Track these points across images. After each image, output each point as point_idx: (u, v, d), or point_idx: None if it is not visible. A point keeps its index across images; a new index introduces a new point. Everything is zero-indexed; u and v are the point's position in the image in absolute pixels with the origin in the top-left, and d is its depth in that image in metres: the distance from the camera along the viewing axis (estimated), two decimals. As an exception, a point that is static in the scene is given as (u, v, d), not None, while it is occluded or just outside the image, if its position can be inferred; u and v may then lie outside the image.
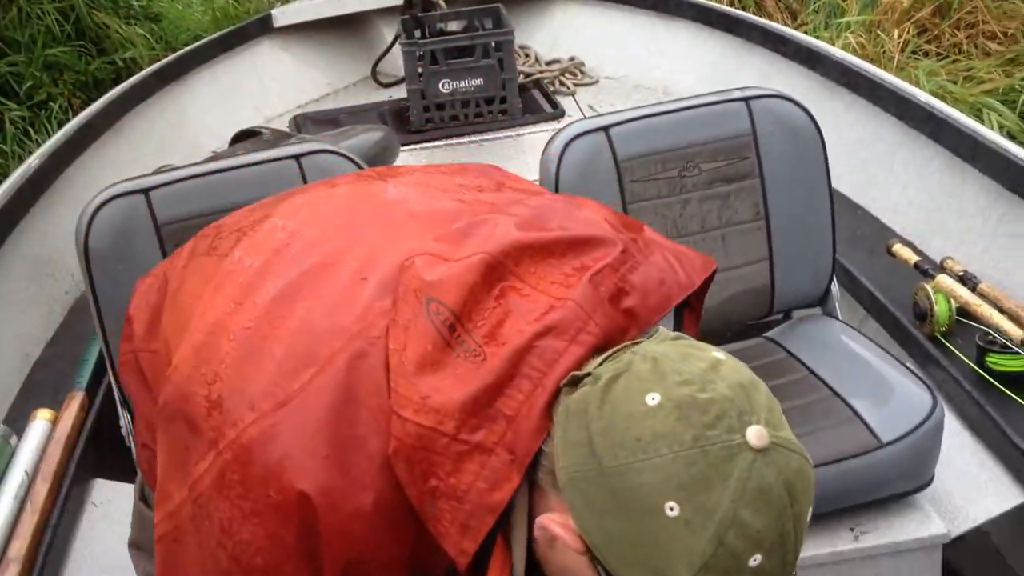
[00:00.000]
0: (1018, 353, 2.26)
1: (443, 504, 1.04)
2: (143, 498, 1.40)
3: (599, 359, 1.04)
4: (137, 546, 1.41)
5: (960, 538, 2.22)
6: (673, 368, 0.99)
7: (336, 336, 1.09)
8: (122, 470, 2.22)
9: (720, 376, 0.98)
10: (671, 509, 0.94)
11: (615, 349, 1.05)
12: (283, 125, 4.08)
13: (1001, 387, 2.24)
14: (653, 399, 0.97)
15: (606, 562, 0.99)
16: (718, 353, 1.02)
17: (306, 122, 4.14)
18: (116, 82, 4.66)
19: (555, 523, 1.02)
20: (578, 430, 1.00)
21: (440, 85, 3.96)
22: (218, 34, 4.53)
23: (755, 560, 0.94)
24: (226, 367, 1.12)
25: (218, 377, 1.12)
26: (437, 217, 1.21)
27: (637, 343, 1.05)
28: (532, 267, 1.11)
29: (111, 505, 2.34)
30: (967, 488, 2.23)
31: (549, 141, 2.20)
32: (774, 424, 0.98)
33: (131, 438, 2.08)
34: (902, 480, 2.10)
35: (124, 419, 2.08)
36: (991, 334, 2.32)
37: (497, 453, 1.02)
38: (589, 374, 1.02)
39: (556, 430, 1.02)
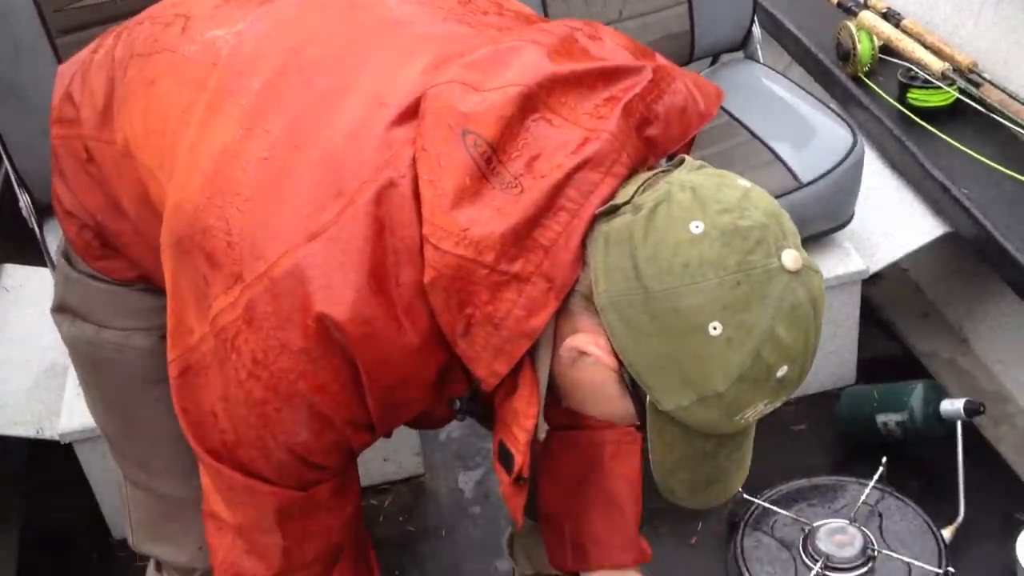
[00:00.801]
0: (939, 87, 2.23)
1: (477, 331, 1.06)
2: (68, 262, 1.36)
3: (630, 188, 1.06)
4: (61, 309, 1.38)
5: (879, 274, 2.25)
6: (712, 197, 1.02)
7: (363, 166, 1.06)
8: (26, 253, 2.16)
9: (753, 204, 1.03)
10: (714, 328, 0.99)
11: (648, 178, 1.07)
12: None
13: (922, 122, 2.23)
14: (697, 227, 1.00)
15: (638, 376, 1.04)
16: (744, 181, 1.06)
17: None
18: None
19: (588, 343, 1.06)
20: (621, 257, 1.02)
21: None
22: None
23: (782, 370, 1.02)
24: (245, 200, 1.09)
25: (238, 210, 1.09)
26: (456, 41, 1.15)
27: (667, 171, 1.08)
28: (563, 98, 1.09)
29: (23, 291, 2.30)
30: (887, 225, 2.24)
31: None
32: (799, 247, 1.04)
33: (32, 219, 2.02)
34: (822, 219, 2.12)
35: (23, 200, 2.01)
36: (913, 70, 2.30)
37: (534, 282, 1.04)
38: (627, 203, 1.04)
39: (595, 257, 1.04)
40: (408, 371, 1.10)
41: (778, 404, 1.06)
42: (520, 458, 1.14)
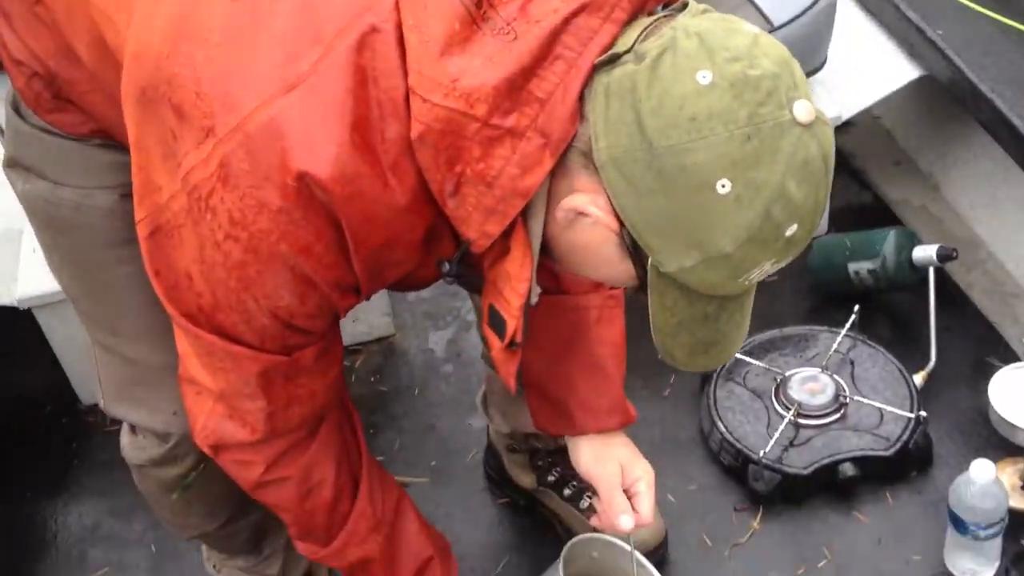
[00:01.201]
0: (916, -76, 2.16)
1: (468, 190, 1.02)
2: (18, 114, 1.28)
3: (631, 35, 0.99)
4: (13, 165, 1.31)
5: (850, 122, 2.22)
6: (720, 44, 0.95)
7: (342, 10, 0.99)
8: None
9: (763, 51, 0.96)
10: (723, 186, 0.94)
11: (650, 23, 1.00)
12: None
13: (897, -38, 2.16)
14: (705, 77, 0.94)
15: (640, 238, 0.99)
16: (750, 27, 0.99)
17: None
18: None
19: (587, 203, 1.00)
20: (624, 110, 0.96)
21: None
22: None
23: (791, 229, 0.97)
24: (214, 46, 1.01)
25: (206, 57, 1.01)
26: None
27: (670, 16, 1.00)
28: None
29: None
30: (860, 70, 2.19)
31: None
32: (810, 97, 0.97)
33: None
34: (795, 65, 2.06)
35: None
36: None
37: (529, 137, 0.99)
38: (628, 51, 0.97)
39: (594, 110, 0.98)
40: (395, 232, 1.05)
41: (784, 264, 1.01)
42: (513, 323, 1.11)
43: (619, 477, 1.39)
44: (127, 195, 1.15)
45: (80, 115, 1.25)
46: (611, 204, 0.99)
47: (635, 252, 1.01)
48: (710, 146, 0.93)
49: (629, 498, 1.38)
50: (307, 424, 1.23)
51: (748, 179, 0.94)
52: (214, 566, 1.67)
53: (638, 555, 1.43)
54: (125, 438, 1.44)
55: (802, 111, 0.95)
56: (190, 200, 1.04)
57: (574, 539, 1.43)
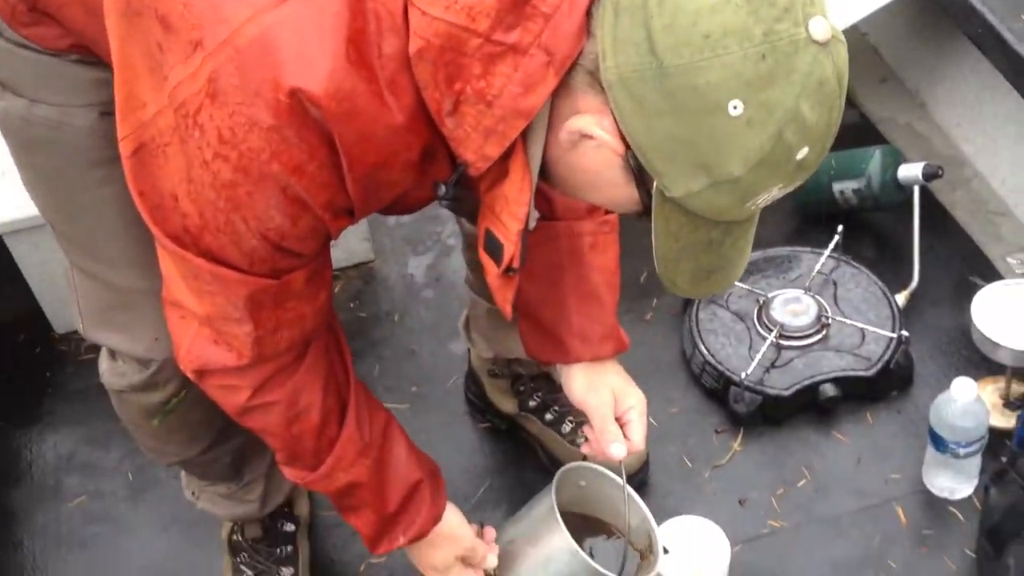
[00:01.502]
0: None
1: (467, 108, 0.98)
2: None
3: None
4: None
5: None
6: None
7: None
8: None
9: None
10: (735, 108, 0.90)
11: None
12: None
13: None
14: None
15: (647, 161, 0.96)
16: None
17: None
18: None
19: (592, 125, 0.97)
20: (634, 27, 0.91)
21: None
22: None
23: (803, 152, 0.93)
24: None
25: None
26: None
27: None
28: None
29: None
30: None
31: None
32: (827, 14, 0.93)
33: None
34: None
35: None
36: None
37: (532, 54, 0.95)
38: None
39: (602, 27, 0.94)
40: (391, 151, 1.02)
41: (792, 188, 0.98)
42: (511, 248, 1.08)
43: (612, 406, 1.37)
44: (107, 113, 1.11)
45: (58, 29, 1.19)
46: (617, 126, 0.95)
47: (640, 176, 0.98)
48: (724, 65, 0.89)
49: (621, 426, 1.37)
50: (295, 348, 1.21)
51: (761, 100, 0.90)
52: (193, 493, 1.66)
53: (630, 490, 1.41)
54: (104, 363, 1.42)
55: (819, 29, 0.90)
56: (177, 117, 1.00)
57: (564, 467, 1.42)
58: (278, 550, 1.69)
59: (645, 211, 1.00)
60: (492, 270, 1.12)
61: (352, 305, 2.14)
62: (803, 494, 1.75)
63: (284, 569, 1.68)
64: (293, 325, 1.16)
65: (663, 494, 1.77)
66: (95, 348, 1.44)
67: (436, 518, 1.36)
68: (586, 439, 1.41)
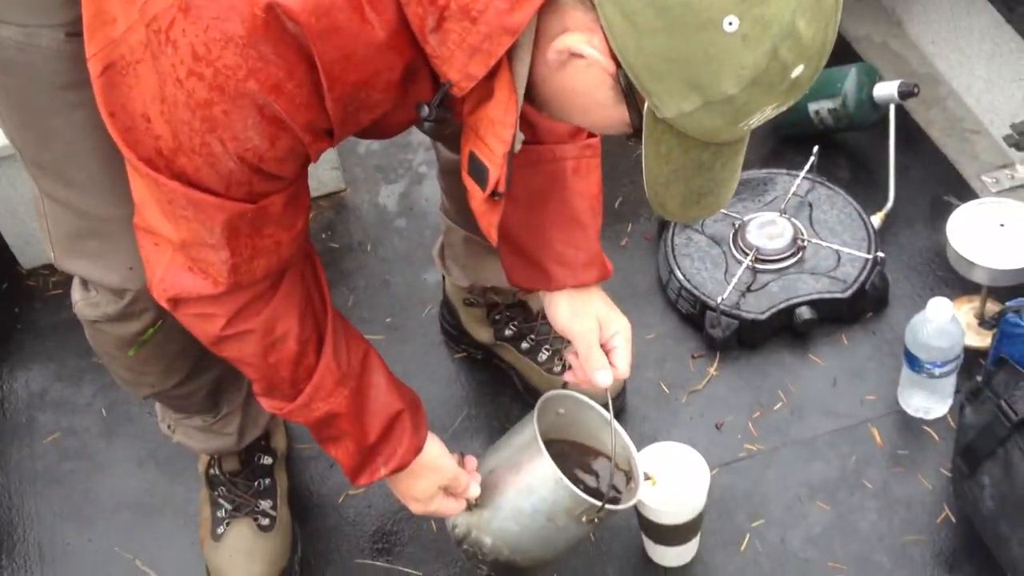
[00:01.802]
0: None
1: (451, 25, 0.95)
2: None
3: None
4: None
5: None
6: None
7: None
8: None
9: None
10: (729, 24, 0.88)
11: None
12: None
13: None
14: None
15: (638, 80, 0.93)
16: None
17: None
18: None
19: (582, 43, 0.94)
20: None
21: None
22: None
23: (798, 70, 0.92)
24: None
25: None
26: None
27: None
28: None
29: None
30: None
31: None
32: None
33: None
34: None
35: None
36: None
37: None
38: None
39: None
40: (372, 70, 0.99)
41: (785, 108, 0.96)
42: (496, 171, 1.05)
43: (597, 333, 1.36)
44: (74, 34, 1.07)
45: None
46: (608, 44, 0.93)
47: (631, 96, 0.95)
48: None
49: (606, 353, 1.35)
50: (271, 276, 1.18)
51: (756, 15, 0.88)
52: (168, 426, 1.64)
53: (617, 425, 1.40)
54: (77, 294, 1.38)
55: None
56: (148, 32, 0.97)
57: (545, 395, 1.41)
58: (256, 483, 1.69)
59: (635, 133, 0.98)
60: (477, 194, 1.10)
61: (324, 236, 2.11)
62: (779, 417, 1.75)
63: (262, 502, 1.68)
64: (270, 252, 1.14)
65: (640, 420, 1.77)
66: (64, 283, 1.41)
67: (417, 449, 1.35)
68: (569, 366, 1.39)
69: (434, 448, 1.37)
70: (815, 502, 1.65)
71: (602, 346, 1.35)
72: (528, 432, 1.36)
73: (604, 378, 1.33)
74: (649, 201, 1.04)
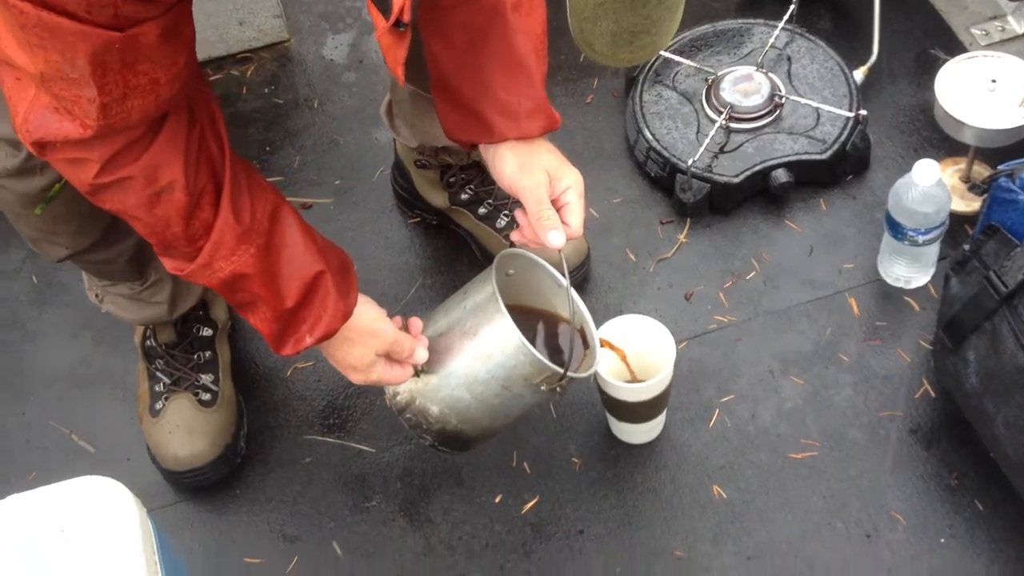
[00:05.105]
0: None
1: None
2: None
3: None
4: None
5: None
6: None
7: None
8: None
9: None
10: None
11: None
12: None
13: None
14: None
15: None
16: None
17: None
18: None
19: None
20: None
21: None
22: None
23: None
24: None
25: None
26: None
27: None
28: None
29: None
30: None
31: None
32: None
33: None
34: None
35: None
36: None
37: None
38: None
39: None
40: None
41: None
42: None
43: (547, 187, 1.23)
44: None
45: None
46: None
47: None
48: None
49: (557, 210, 1.24)
50: (148, 120, 1.05)
51: None
52: (96, 295, 1.53)
53: (574, 293, 1.30)
54: None
55: None
56: None
57: (503, 252, 1.30)
58: (195, 356, 1.59)
59: None
60: (380, 24, 1.00)
61: (267, 91, 1.96)
62: (752, 287, 1.66)
63: (203, 376, 1.58)
64: (145, 93, 1.00)
65: (605, 290, 1.68)
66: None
67: (346, 314, 1.22)
68: (517, 225, 1.28)
69: (368, 311, 1.25)
70: (788, 376, 1.58)
71: (553, 203, 1.24)
72: (485, 291, 1.25)
73: (556, 238, 1.21)
74: (575, 39, 0.94)
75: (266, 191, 1.18)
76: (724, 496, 1.49)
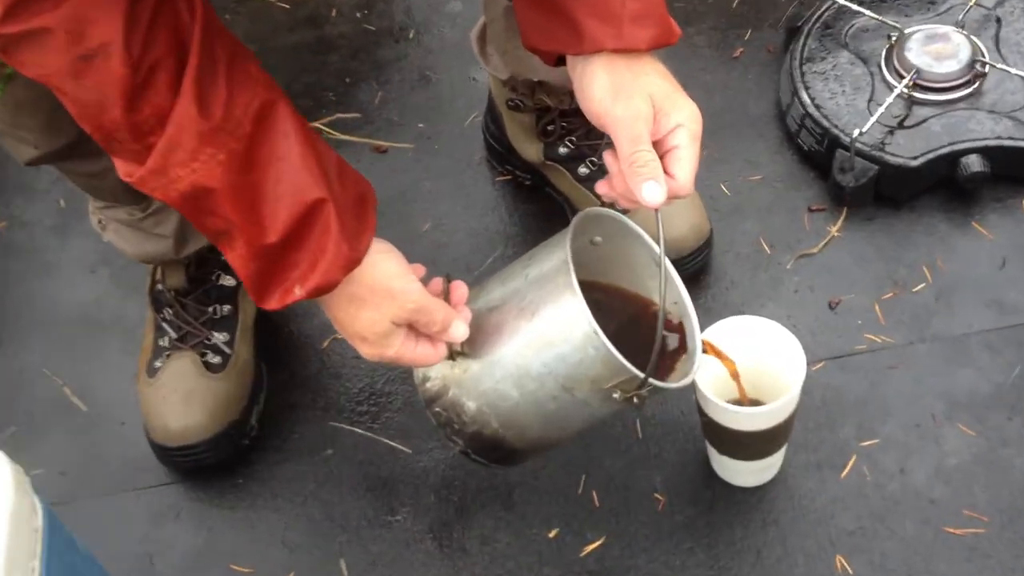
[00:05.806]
0: None
1: None
2: None
3: None
4: None
5: None
6: None
7: None
8: None
9: None
10: None
11: None
12: None
13: None
14: None
15: None
16: None
17: None
18: None
19: None
20: None
21: None
22: None
23: None
24: None
25: None
26: None
27: None
28: None
29: None
30: None
31: None
32: None
33: None
34: None
35: None
36: None
37: None
38: None
39: None
40: None
41: None
42: None
43: (648, 121, 0.92)
44: None
45: None
46: None
47: None
48: None
49: (661, 156, 0.92)
50: None
51: None
52: (99, 221, 1.30)
53: (670, 266, 1.01)
54: None
55: None
56: None
57: (582, 212, 1.00)
58: (211, 309, 1.32)
59: None
60: None
61: (359, 15, 1.72)
62: (919, 302, 1.34)
63: (216, 334, 1.31)
64: None
65: (727, 285, 1.38)
66: None
67: (351, 261, 0.90)
68: (607, 174, 0.95)
69: (386, 264, 0.94)
70: (955, 423, 1.25)
71: (656, 145, 0.90)
72: (554, 259, 0.97)
73: (652, 192, 0.88)
74: None
75: (256, 83, 0.87)
76: (850, 572, 1.17)
